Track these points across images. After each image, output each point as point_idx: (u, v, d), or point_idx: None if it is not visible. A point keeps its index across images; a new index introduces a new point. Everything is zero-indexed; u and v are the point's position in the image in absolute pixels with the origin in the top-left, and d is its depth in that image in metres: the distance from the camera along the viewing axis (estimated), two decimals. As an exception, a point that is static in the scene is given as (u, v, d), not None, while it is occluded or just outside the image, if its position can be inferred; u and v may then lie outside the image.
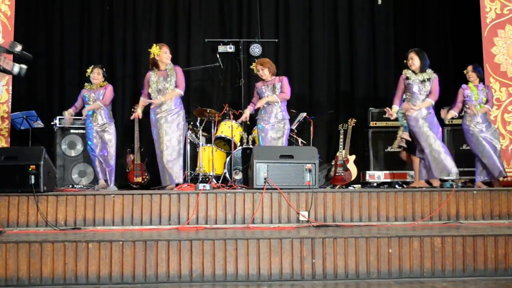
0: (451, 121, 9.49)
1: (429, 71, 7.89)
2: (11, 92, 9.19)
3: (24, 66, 5.95)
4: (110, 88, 8.46)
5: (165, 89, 7.77)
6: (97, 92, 8.36)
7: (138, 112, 8.01)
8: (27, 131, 9.81)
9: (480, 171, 8.23)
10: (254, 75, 8.60)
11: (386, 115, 8.18)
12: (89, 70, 8.55)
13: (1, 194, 6.41)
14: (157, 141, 7.78)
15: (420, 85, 7.84)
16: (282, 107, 8.21)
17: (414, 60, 7.90)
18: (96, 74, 8.44)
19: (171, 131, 7.69)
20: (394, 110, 7.96)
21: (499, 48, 8.81)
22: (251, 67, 8.49)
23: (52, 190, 6.85)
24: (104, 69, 8.64)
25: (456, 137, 9.64)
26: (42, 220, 6.38)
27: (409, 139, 8.37)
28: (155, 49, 7.77)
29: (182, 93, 7.86)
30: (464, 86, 8.32)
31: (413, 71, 7.91)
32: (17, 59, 6.03)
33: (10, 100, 9.19)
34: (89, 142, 8.35)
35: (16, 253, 5.25)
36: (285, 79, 8.28)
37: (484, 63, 8.64)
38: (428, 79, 7.86)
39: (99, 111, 8.31)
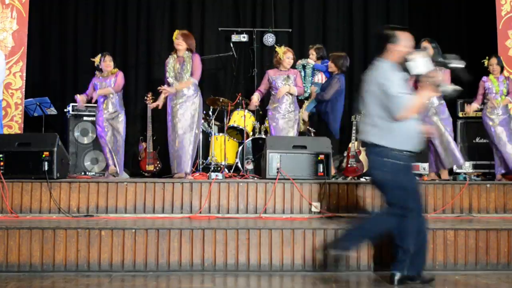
0: (465, 114, 9.44)
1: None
2: (25, 79, 9.21)
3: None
4: (121, 74, 8.41)
5: (180, 75, 7.75)
6: (109, 80, 8.33)
7: (159, 101, 7.96)
8: (40, 117, 9.84)
9: (499, 164, 8.20)
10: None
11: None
12: (97, 59, 8.49)
13: (15, 180, 6.44)
14: (170, 128, 7.78)
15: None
16: (293, 98, 8.19)
17: (428, 50, 7.87)
18: (108, 62, 8.39)
19: (184, 119, 7.67)
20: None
21: (514, 41, 8.75)
22: (277, 49, 8.34)
23: (65, 177, 6.87)
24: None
25: (469, 129, 9.58)
26: (55, 206, 6.40)
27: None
28: (175, 34, 7.81)
29: (196, 81, 7.83)
30: (484, 78, 8.29)
31: None
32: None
33: (24, 87, 9.20)
34: (98, 128, 8.32)
35: (29, 240, 5.29)
36: (298, 74, 8.30)
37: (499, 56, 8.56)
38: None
39: (111, 99, 8.28)
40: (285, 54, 8.19)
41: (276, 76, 8.19)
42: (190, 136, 7.67)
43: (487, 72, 8.27)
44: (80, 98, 8.26)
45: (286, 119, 8.13)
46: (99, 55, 8.51)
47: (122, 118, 8.35)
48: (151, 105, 8.28)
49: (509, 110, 8.24)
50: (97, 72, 8.47)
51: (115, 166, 8.23)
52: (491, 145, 8.25)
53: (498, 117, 8.13)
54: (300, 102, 8.57)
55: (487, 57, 8.41)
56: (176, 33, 7.86)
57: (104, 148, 8.32)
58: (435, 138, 7.70)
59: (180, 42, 7.77)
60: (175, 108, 7.70)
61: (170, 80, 7.80)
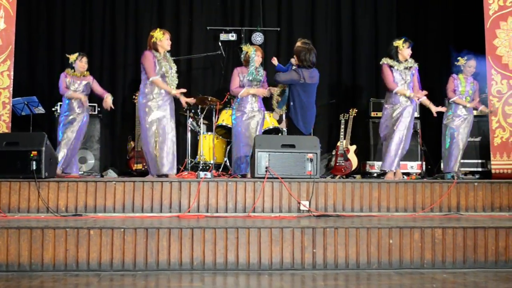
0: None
1: (410, 60, 7.97)
2: (12, 78, 9.15)
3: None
4: (96, 81, 8.62)
5: (169, 74, 7.68)
6: (79, 82, 8.37)
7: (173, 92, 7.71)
8: (28, 117, 9.80)
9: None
10: (240, 61, 8.53)
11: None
12: (74, 57, 8.50)
13: (3, 180, 6.42)
14: (149, 129, 7.55)
15: (401, 73, 7.92)
16: (259, 98, 8.23)
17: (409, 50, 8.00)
18: (84, 63, 8.49)
19: (165, 118, 7.57)
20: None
21: (501, 40, 8.76)
22: (248, 50, 8.31)
23: (54, 176, 6.85)
24: None
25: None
26: (43, 206, 6.39)
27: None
28: (158, 34, 7.67)
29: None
30: (454, 75, 8.64)
31: (397, 61, 7.95)
32: None
33: (12, 86, 9.15)
34: (61, 130, 8.31)
35: (18, 239, 5.27)
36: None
37: (487, 55, 8.61)
38: (410, 68, 7.96)
39: (76, 100, 8.31)
40: (260, 55, 8.23)
41: (245, 74, 8.18)
42: (172, 136, 7.61)
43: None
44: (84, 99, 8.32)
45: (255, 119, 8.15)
46: (76, 54, 8.53)
47: (83, 119, 8.37)
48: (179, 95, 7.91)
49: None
50: (68, 69, 8.47)
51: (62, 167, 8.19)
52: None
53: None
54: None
55: (465, 58, 8.53)
56: (163, 32, 7.72)
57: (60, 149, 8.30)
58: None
59: (169, 42, 7.73)
60: (154, 107, 7.58)
61: (165, 77, 7.64)
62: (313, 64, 7.84)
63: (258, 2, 11.19)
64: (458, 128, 8.46)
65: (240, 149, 7.94)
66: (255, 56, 8.06)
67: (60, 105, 9.63)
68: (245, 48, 8.26)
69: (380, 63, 8.04)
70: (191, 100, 8.02)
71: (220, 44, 10.67)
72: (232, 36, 10.86)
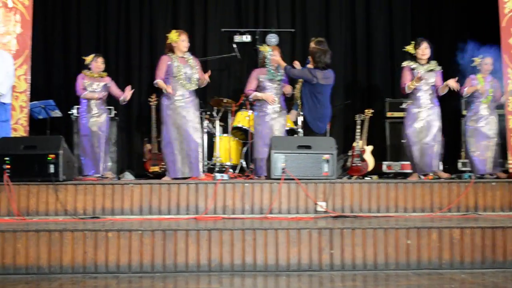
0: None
1: (433, 62, 7.94)
2: (29, 82, 9.22)
3: None
4: (114, 82, 8.62)
5: (191, 77, 7.70)
6: (97, 83, 8.41)
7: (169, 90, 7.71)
8: (45, 120, 9.87)
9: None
10: (260, 62, 8.54)
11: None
12: (89, 58, 8.56)
13: (21, 183, 6.46)
14: (173, 131, 7.65)
15: (424, 76, 7.85)
16: (280, 96, 8.26)
17: (428, 50, 7.94)
18: (100, 64, 8.53)
19: (191, 120, 7.64)
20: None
21: (517, 38, 8.71)
22: (264, 50, 8.34)
23: (71, 179, 6.89)
24: None
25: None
26: (61, 209, 6.43)
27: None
28: (173, 36, 7.72)
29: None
30: (472, 76, 8.38)
31: (418, 62, 7.90)
32: None
33: (29, 90, 9.22)
34: (83, 132, 8.36)
35: (37, 242, 5.29)
36: None
37: (502, 54, 8.55)
38: (432, 70, 7.90)
39: (95, 102, 8.36)
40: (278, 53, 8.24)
41: (264, 76, 8.21)
42: (198, 138, 7.67)
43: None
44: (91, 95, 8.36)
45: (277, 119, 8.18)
46: (92, 55, 8.58)
47: (103, 120, 8.40)
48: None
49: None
50: (85, 70, 8.52)
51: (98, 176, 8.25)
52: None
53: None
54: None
55: (480, 56, 8.41)
56: (179, 33, 7.76)
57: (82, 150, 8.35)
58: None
59: (187, 44, 7.76)
60: (179, 109, 7.66)
61: (181, 82, 7.67)
62: (327, 66, 7.83)
63: (273, 3, 11.20)
64: (481, 128, 8.30)
65: (263, 150, 7.90)
66: (270, 56, 8.07)
67: (77, 108, 9.69)
68: (261, 48, 8.29)
69: (401, 65, 8.03)
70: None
71: (234, 45, 10.67)
72: (246, 38, 10.87)
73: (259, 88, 8.20)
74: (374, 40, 11.26)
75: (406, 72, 7.95)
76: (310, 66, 7.92)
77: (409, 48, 7.96)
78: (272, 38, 10.87)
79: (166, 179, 7.51)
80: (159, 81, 7.67)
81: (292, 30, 11.16)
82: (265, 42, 10.80)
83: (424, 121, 7.80)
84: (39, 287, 4.83)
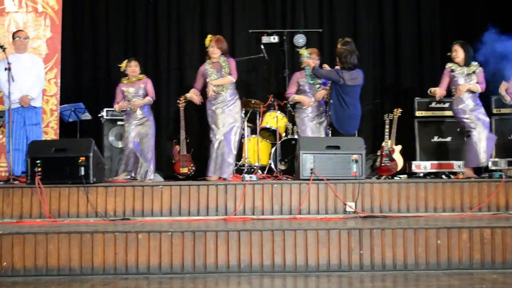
0: (499, 110, 9.37)
1: (474, 63, 7.83)
2: (59, 85, 9.33)
3: None
4: (150, 81, 8.51)
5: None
6: (136, 87, 8.38)
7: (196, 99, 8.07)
8: (74, 123, 9.96)
9: None
10: (298, 65, 8.57)
11: (431, 93, 8.08)
12: (123, 64, 8.54)
13: (52, 186, 6.53)
14: (212, 132, 7.87)
15: (465, 78, 7.78)
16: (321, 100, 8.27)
17: (458, 53, 7.85)
18: (134, 67, 8.45)
19: (227, 123, 7.74)
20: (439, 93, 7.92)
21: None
22: (302, 53, 8.36)
23: (101, 181, 6.96)
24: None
25: (504, 126, 9.48)
26: (92, 211, 6.49)
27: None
28: (206, 41, 7.88)
29: (233, 80, 7.93)
30: None
31: (457, 64, 7.85)
32: None
33: (59, 93, 9.33)
34: (128, 136, 8.39)
35: (68, 244, 5.37)
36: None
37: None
38: (474, 72, 7.80)
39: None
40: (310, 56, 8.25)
41: (305, 79, 8.27)
42: (234, 141, 7.77)
43: None
44: (119, 106, 8.38)
45: (316, 120, 8.21)
46: (125, 61, 8.58)
47: (150, 123, 8.41)
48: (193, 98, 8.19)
49: None
50: (122, 78, 8.53)
51: (132, 178, 8.27)
52: None
53: None
54: None
55: None
56: (209, 39, 7.88)
57: (127, 154, 8.37)
58: (471, 137, 7.67)
59: (214, 50, 7.84)
60: (218, 111, 7.77)
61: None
62: (354, 66, 7.80)
63: (300, 4, 11.18)
64: None
65: None
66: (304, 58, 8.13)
67: (107, 111, 9.78)
68: (301, 51, 8.30)
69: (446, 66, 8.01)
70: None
71: (262, 46, 10.66)
72: (274, 39, 10.85)
73: (299, 91, 8.33)
74: (402, 39, 11.17)
75: (444, 74, 7.98)
76: (338, 67, 7.91)
77: (449, 54, 7.94)
78: (300, 39, 10.86)
79: (212, 178, 7.71)
80: (188, 94, 8.11)
81: (320, 30, 11.12)
82: (292, 43, 10.82)
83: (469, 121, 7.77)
84: (71, 288, 4.90)
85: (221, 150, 7.73)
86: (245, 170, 9.24)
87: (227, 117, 7.80)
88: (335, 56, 8.13)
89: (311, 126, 8.19)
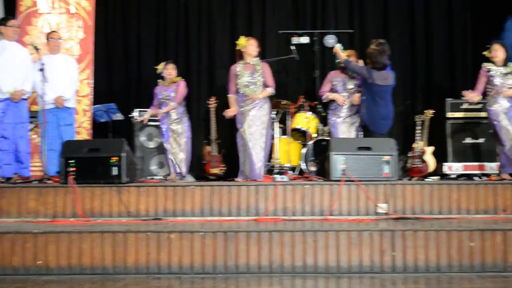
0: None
1: (511, 64, 7.72)
2: (92, 86, 9.42)
3: None
4: (182, 84, 8.49)
5: (252, 84, 7.81)
6: (170, 89, 8.41)
7: (232, 110, 8.03)
8: (106, 123, 10.04)
9: None
10: (328, 66, 8.56)
11: (465, 98, 7.98)
12: (160, 67, 8.57)
13: (85, 185, 6.60)
14: (241, 135, 7.89)
15: (503, 78, 7.67)
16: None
17: (498, 52, 7.73)
18: (170, 70, 8.47)
19: (255, 125, 7.75)
20: (475, 98, 7.82)
21: None
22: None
23: (134, 181, 7.02)
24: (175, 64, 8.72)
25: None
26: (124, 210, 6.55)
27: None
28: (243, 41, 7.84)
29: (273, 92, 8.04)
30: None
31: (495, 63, 7.74)
32: None
33: (92, 94, 9.42)
34: (163, 138, 8.44)
35: (101, 243, 5.42)
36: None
37: None
38: (510, 73, 7.69)
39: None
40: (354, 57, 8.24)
41: (340, 79, 8.24)
42: (263, 143, 7.76)
43: None
44: (148, 115, 8.47)
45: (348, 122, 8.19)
46: (163, 63, 8.61)
47: (185, 123, 8.43)
48: (226, 115, 8.18)
49: None
50: (159, 81, 8.58)
51: (178, 174, 8.32)
52: None
53: None
54: None
55: None
56: (245, 40, 7.86)
57: (166, 154, 8.42)
58: (505, 141, 7.57)
59: (255, 48, 7.84)
60: (246, 114, 7.79)
61: (241, 90, 7.86)
62: (384, 66, 7.76)
63: (330, 4, 11.14)
64: None
65: None
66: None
67: (138, 111, 9.83)
68: (336, 47, 8.27)
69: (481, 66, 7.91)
70: None
71: (292, 47, 10.65)
72: (304, 39, 10.83)
73: (332, 91, 8.29)
74: (434, 40, 11.08)
75: (481, 74, 7.83)
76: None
77: (486, 53, 7.82)
78: (330, 39, 10.82)
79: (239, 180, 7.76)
80: (230, 97, 8.07)
81: (351, 31, 11.08)
82: (323, 44, 10.80)
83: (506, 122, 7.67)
84: (104, 287, 4.94)
85: (249, 152, 7.72)
86: (276, 171, 9.23)
87: (255, 119, 7.81)
88: (365, 56, 8.09)
89: (342, 127, 8.17)
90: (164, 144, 8.43)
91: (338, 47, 8.12)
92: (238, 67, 7.91)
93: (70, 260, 5.41)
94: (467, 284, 4.98)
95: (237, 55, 7.99)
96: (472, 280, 5.10)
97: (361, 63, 8.26)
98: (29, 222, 6.24)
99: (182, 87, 8.46)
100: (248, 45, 7.84)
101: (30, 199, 6.58)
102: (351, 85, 8.22)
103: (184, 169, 8.39)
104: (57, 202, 6.56)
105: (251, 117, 7.79)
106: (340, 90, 8.24)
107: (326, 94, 8.31)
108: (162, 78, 8.55)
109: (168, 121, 8.37)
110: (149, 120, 8.98)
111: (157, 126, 9.40)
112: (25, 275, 5.37)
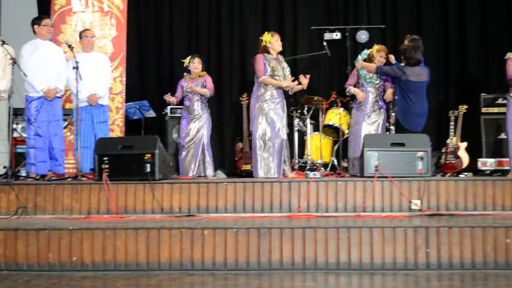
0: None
1: None
2: (125, 83, 9.49)
3: None
4: (210, 78, 8.55)
5: (281, 75, 7.74)
6: (196, 83, 8.43)
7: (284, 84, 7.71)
8: (139, 120, 10.12)
9: None
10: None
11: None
12: (187, 60, 8.61)
13: (119, 182, 6.65)
14: (258, 131, 7.67)
15: None
16: (380, 96, 8.13)
17: None
18: (197, 64, 8.52)
19: (276, 120, 7.65)
20: None
21: None
22: (370, 51, 8.30)
23: (167, 178, 7.05)
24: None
25: None
26: (157, 207, 6.57)
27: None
28: (267, 37, 7.79)
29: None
30: None
31: None
32: None
33: (124, 91, 9.49)
34: (182, 134, 8.43)
35: (135, 239, 5.46)
36: None
37: None
38: None
39: (195, 102, 8.38)
40: (380, 54, 8.14)
41: (369, 73, 8.16)
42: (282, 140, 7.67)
43: None
44: (168, 97, 8.42)
45: (372, 117, 8.12)
46: (189, 57, 8.65)
47: (205, 119, 8.41)
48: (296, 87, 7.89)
49: None
50: (185, 74, 8.61)
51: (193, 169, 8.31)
52: None
53: None
54: None
55: None
56: (272, 34, 7.80)
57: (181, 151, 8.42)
58: None
59: (279, 43, 7.79)
60: (267, 109, 7.69)
61: (278, 78, 7.65)
62: (418, 62, 7.69)
63: (362, 0, 11.09)
64: None
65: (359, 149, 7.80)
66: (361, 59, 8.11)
67: (170, 109, 9.88)
68: (369, 51, 8.23)
69: (505, 57, 7.78)
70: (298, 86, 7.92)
71: (325, 43, 10.62)
72: (336, 35, 10.79)
73: (358, 84, 8.21)
74: (467, 35, 10.96)
75: (510, 63, 7.68)
76: (402, 64, 7.81)
77: None
78: (362, 35, 10.77)
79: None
80: (267, 78, 7.65)
81: (383, 26, 11.01)
82: (355, 39, 10.75)
83: None
84: (139, 283, 4.98)
85: (269, 148, 7.62)
86: (308, 167, 9.21)
87: (275, 115, 7.65)
88: (397, 51, 8.03)
89: (364, 123, 8.04)
90: (182, 138, 8.43)
91: (361, 62, 8.10)
92: (269, 60, 7.69)
93: (105, 256, 5.47)
94: (502, 281, 4.93)
95: (261, 51, 7.88)
96: (508, 277, 5.05)
97: (392, 58, 8.20)
98: (64, 219, 6.29)
99: (211, 81, 8.52)
100: (274, 41, 7.78)
101: (65, 196, 6.64)
102: (377, 80, 8.13)
103: (211, 166, 8.37)
104: (91, 199, 6.61)
105: (274, 113, 7.63)
106: (364, 84, 8.12)
107: (349, 87, 8.22)
108: (189, 72, 8.58)
109: (188, 116, 8.37)
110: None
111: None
112: (60, 271, 5.43)
